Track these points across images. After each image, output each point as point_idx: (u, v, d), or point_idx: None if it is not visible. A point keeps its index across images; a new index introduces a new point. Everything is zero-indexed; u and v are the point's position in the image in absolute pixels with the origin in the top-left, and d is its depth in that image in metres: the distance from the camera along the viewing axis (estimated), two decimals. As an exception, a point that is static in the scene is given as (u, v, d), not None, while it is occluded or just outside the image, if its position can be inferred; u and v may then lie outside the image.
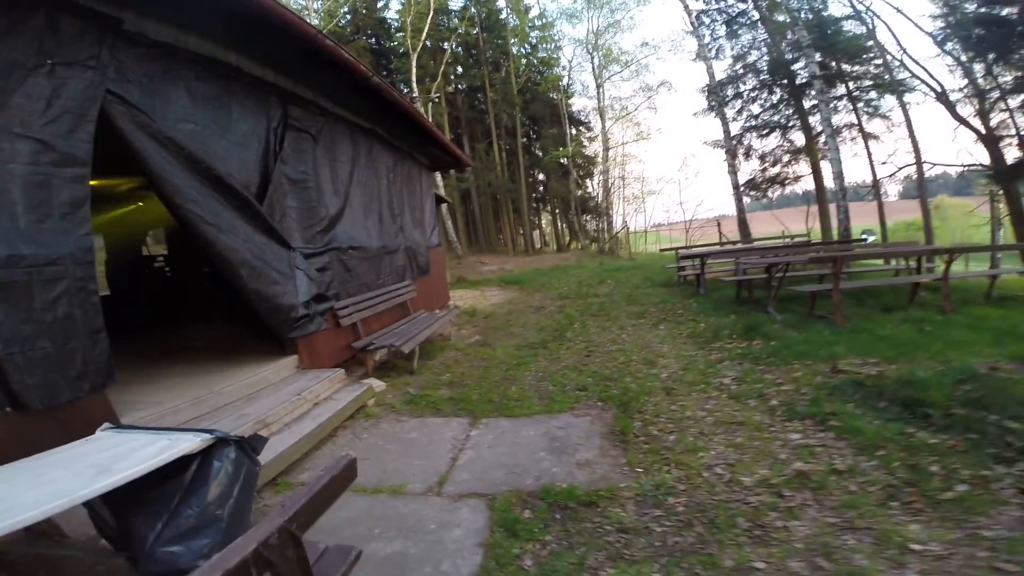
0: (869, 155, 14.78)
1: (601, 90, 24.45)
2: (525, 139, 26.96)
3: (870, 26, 13.84)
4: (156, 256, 10.60)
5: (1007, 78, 11.92)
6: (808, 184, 16.92)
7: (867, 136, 14.89)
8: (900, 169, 14.58)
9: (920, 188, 14.16)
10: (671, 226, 28.92)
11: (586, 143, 27.83)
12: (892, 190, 22.21)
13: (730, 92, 17.21)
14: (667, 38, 42.90)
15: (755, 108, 16.99)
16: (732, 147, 16.63)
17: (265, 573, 0.76)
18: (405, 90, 19.71)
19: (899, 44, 18.73)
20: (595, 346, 5.54)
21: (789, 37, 14.86)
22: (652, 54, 35.55)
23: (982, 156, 12.95)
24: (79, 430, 1.84)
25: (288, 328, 4.17)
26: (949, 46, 12.58)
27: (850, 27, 14.24)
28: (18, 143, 2.34)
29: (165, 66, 3.27)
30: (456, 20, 24.27)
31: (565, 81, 26.87)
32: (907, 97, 13.68)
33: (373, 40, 25.16)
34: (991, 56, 11.61)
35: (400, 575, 2.00)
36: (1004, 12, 11.21)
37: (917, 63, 13.50)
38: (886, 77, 13.83)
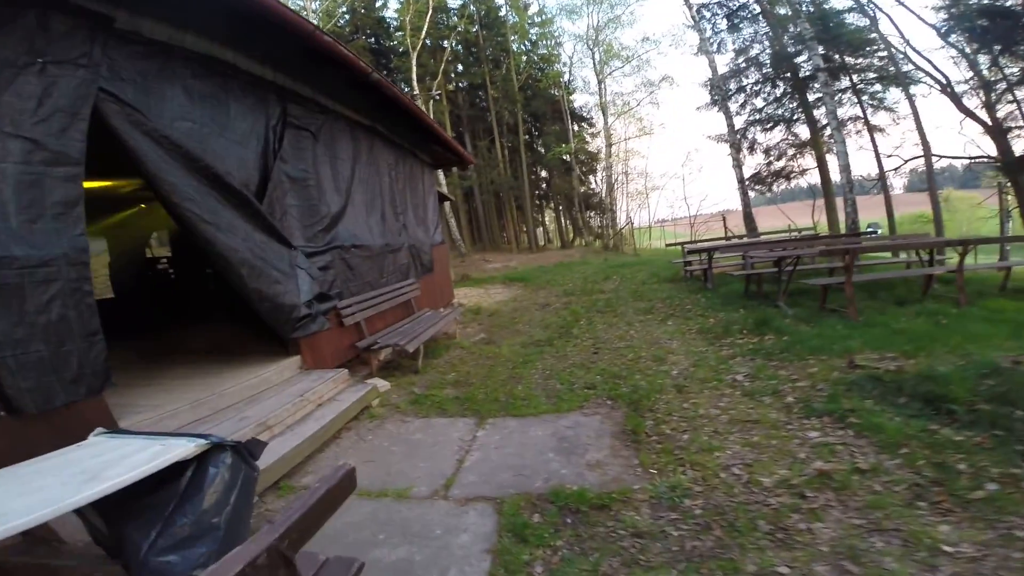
0: (875, 148, 14.65)
1: (603, 86, 24.30)
2: (527, 136, 26.90)
3: (872, 18, 13.70)
4: (160, 258, 10.62)
5: (1013, 69, 11.78)
6: (813, 178, 16.82)
7: (872, 129, 14.76)
8: (907, 162, 14.46)
9: (929, 180, 14.01)
10: (675, 222, 28.83)
11: (588, 139, 27.71)
12: (897, 183, 22.04)
13: (733, 86, 17.11)
14: (668, 33, 42.68)
15: (758, 102, 16.91)
16: (736, 141, 16.51)
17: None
18: (406, 88, 19.64)
19: (902, 36, 18.58)
20: (602, 343, 5.44)
21: (791, 30, 14.73)
22: (653, 49, 35.35)
23: (989, 148, 12.81)
24: (75, 434, 1.80)
25: (290, 328, 4.10)
26: (953, 38, 12.44)
27: (852, 20, 14.12)
28: (9, 142, 2.28)
29: (160, 64, 3.20)
30: (455, 18, 24.23)
31: (566, 77, 26.81)
32: (912, 89, 13.54)
33: (372, 39, 25.15)
34: (997, 47, 11.46)
35: (406, 583, 1.93)
36: (1009, 3, 11.06)
37: (921, 55, 13.33)
38: (890, 69, 13.68)
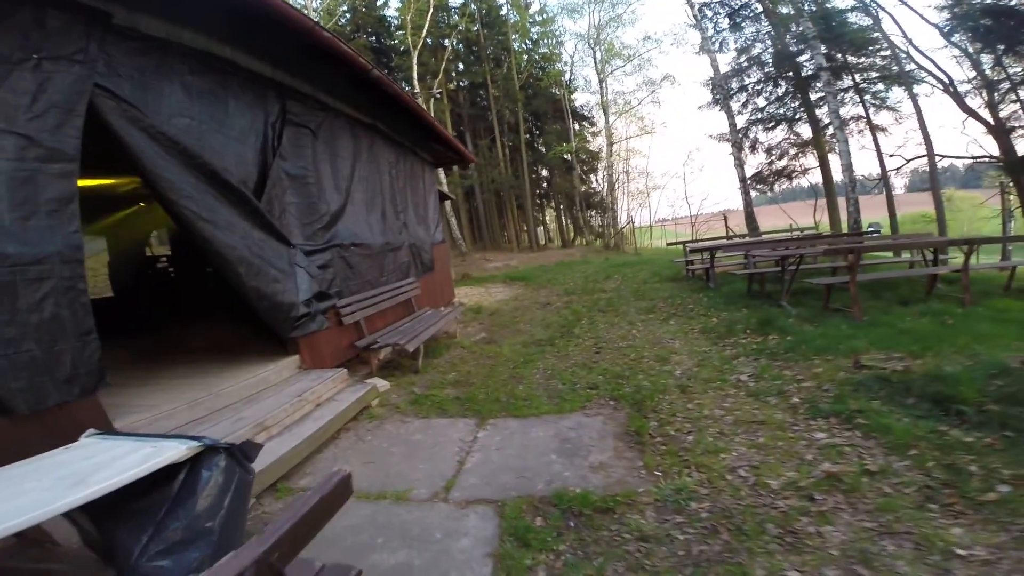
0: (877, 147, 14.60)
1: (604, 85, 24.19)
2: (528, 135, 26.81)
3: (875, 17, 13.64)
4: (159, 257, 10.59)
5: (1016, 69, 11.72)
6: (815, 177, 16.76)
7: (875, 128, 14.68)
8: (909, 161, 14.40)
9: (932, 180, 13.96)
10: (676, 221, 28.77)
11: (589, 138, 27.60)
12: (898, 183, 22.00)
13: (735, 85, 17.06)
14: (669, 32, 42.43)
15: (760, 101, 16.86)
16: (738, 140, 16.47)
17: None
18: (407, 87, 19.58)
19: (905, 36, 18.46)
20: (604, 343, 5.40)
21: (794, 29, 14.68)
22: (655, 48, 35.27)
23: (992, 148, 12.76)
24: (68, 435, 1.76)
25: (289, 327, 4.06)
26: (956, 37, 12.37)
27: (855, 19, 14.07)
28: (2, 138, 2.24)
29: (158, 60, 3.16)
30: (456, 17, 24.15)
31: (567, 76, 26.71)
32: (915, 89, 13.48)
33: (373, 38, 25.09)
34: (1000, 47, 11.40)
35: (406, 588, 1.88)
36: (1013, 2, 11.00)
37: (924, 55, 13.25)
38: (893, 69, 13.62)
